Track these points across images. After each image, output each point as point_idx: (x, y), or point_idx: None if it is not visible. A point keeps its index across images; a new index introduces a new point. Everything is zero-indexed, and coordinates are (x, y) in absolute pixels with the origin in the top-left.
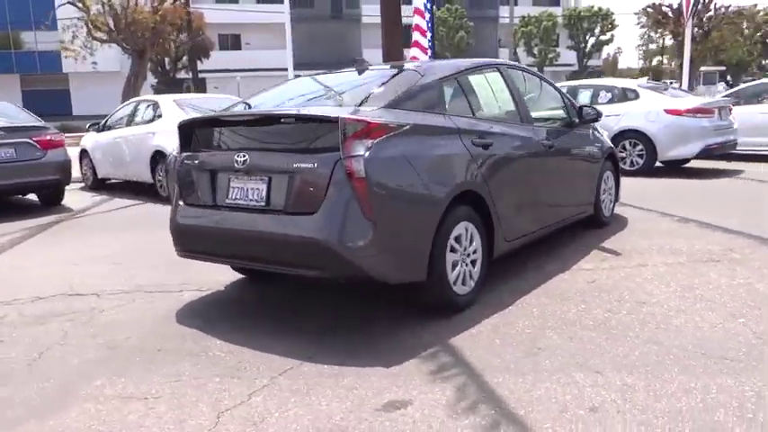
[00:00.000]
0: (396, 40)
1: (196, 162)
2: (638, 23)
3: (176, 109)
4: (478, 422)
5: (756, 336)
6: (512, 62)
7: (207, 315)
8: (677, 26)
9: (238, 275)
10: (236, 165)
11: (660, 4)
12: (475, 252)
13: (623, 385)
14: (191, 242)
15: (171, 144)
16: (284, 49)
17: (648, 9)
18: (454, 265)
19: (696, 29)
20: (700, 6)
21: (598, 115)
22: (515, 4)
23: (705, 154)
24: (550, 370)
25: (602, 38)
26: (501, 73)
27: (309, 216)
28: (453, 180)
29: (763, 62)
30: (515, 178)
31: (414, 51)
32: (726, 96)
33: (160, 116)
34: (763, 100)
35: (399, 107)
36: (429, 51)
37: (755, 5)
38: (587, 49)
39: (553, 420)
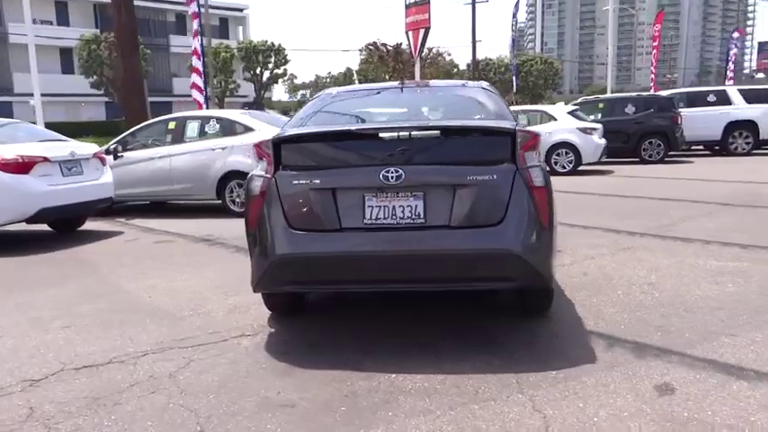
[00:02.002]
0: (134, 63)
1: (311, 181)
2: (362, 59)
3: None
4: (756, 384)
5: (759, 294)
6: None
7: (307, 355)
8: (396, 62)
9: (262, 315)
10: (386, 181)
11: (376, 43)
12: None
13: (765, 339)
14: (306, 272)
15: None
16: None
17: (370, 47)
18: None
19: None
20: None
21: None
22: (183, 34)
23: None
24: (704, 340)
25: (277, 71)
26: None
27: (492, 228)
28: None
29: None
30: None
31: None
32: None
33: None
34: None
35: (509, 119)
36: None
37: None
38: (263, 82)
39: None
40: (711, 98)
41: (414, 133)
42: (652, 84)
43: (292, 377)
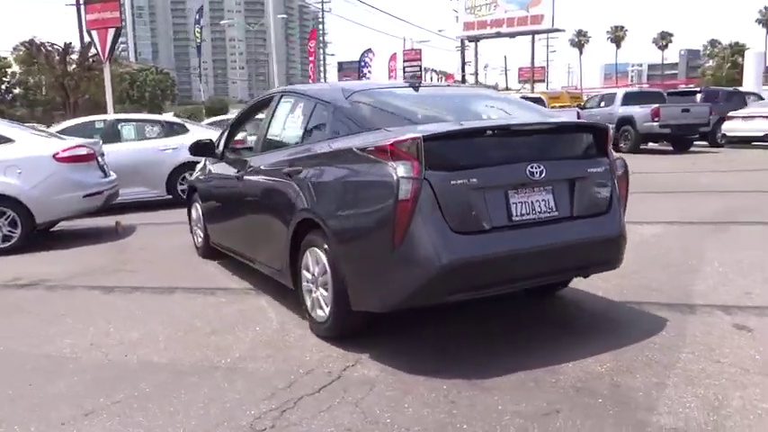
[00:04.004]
0: None
1: (469, 180)
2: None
3: None
4: None
5: (681, 251)
6: None
7: (455, 371)
8: (62, 65)
9: (320, 341)
10: (531, 177)
11: (34, 41)
12: None
13: (729, 286)
14: (469, 277)
15: None
16: None
17: (26, 45)
18: None
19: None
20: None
21: None
22: None
23: None
24: (691, 292)
25: None
26: None
27: (604, 216)
28: None
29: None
30: None
31: None
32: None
33: None
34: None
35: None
36: None
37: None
38: None
39: None
40: None
41: (542, 130)
42: None
43: (494, 392)
